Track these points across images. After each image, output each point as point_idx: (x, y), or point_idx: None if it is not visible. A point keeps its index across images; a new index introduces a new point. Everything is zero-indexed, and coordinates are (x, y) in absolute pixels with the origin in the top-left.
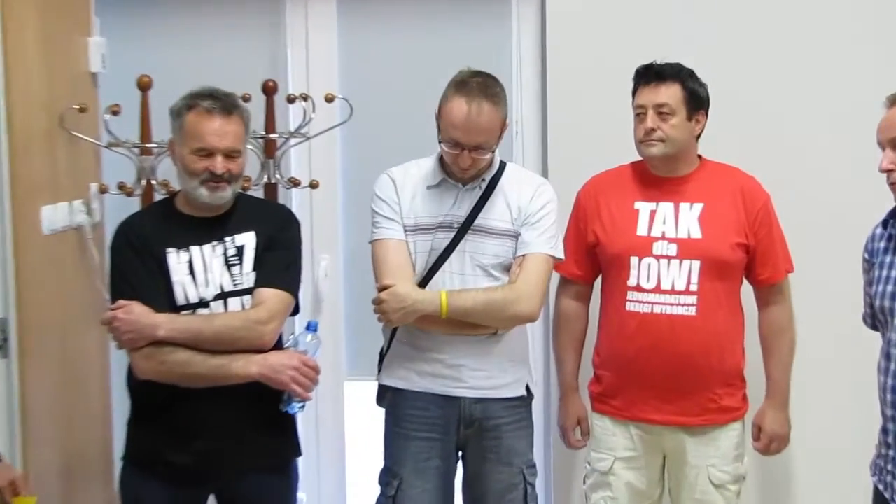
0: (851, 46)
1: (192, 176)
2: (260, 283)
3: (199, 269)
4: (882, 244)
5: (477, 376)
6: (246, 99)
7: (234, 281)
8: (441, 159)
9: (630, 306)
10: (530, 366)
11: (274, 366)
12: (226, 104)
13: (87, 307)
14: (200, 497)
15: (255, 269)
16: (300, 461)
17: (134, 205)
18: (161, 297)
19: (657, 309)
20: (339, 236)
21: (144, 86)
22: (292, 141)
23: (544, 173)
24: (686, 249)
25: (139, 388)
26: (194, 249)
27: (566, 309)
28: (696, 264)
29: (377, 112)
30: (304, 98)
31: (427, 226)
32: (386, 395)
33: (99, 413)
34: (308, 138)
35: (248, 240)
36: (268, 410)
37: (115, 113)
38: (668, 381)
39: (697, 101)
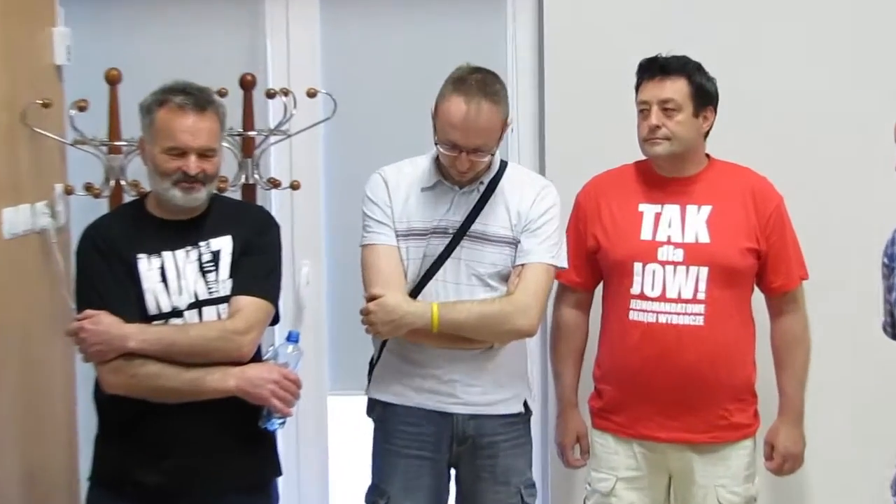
0: (869, 38)
1: (164, 177)
2: (237, 290)
3: (171, 276)
4: None
5: (471, 392)
6: (222, 94)
7: (209, 288)
8: (437, 159)
9: (633, 315)
10: (529, 380)
11: (252, 379)
12: (199, 100)
13: (52, 317)
14: None
15: (231, 275)
16: (280, 481)
17: (102, 207)
18: (131, 306)
19: (662, 318)
20: (322, 241)
21: (113, 79)
22: (272, 139)
23: (541, 174)
24: (693, 255)
25: (107, 404)
26: (166, 255)
27: (565, 319)
28: (704, 271)
29: (362, 108)
30: (285, 93)
31: (420, 231)
32: (375, 409)
33: (63, 430)
34: (289, 136)
35: (224, 244)
36: (246, 427)
37: (81, 108)
38: (673, 395)
39: (705, 97)
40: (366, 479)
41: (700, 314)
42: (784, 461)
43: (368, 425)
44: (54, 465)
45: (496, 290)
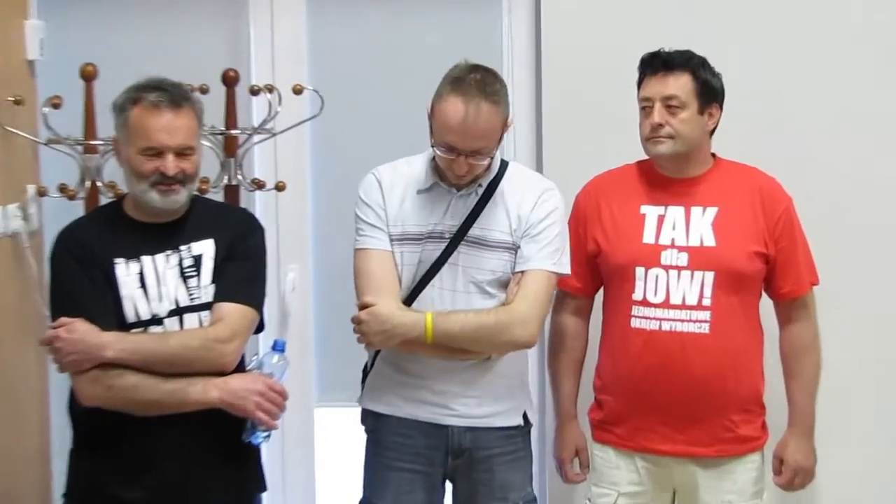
0: (886, 35)
1: (141, 178)
2: (220, 297)
3: (151, 282)
4: None
5: (467, 403)
6: (204, 91)
7: (190, 295)
8: (434, 160)
9: (635, 323)
10: (529, 391)
11: (236, 390)
12: (174, 96)
13: (24, 325)
14: None
15: (214, 281)
16: (264, 497)
17: (77, 209)
18: (108, 313)
19: (666, 326)
20: (309, 245)
21: (89, 75)
22: (256, 138)
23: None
24: (698, 259)
25: (83, 416)
26: (145, 260)
27: (563, 326)
28: (710, 276)
29: (351, 105)
30: (270, 90)
31: (415, 235)
32: (367, 419)
33: (36, 444)
34: (274, 135)
35: (206, 248)
36: (229, 440)
37: (55, 106)
38: (677, 406)
39: (710, 93)
40: (354, 495)
41: (705, 321)
42: (794, 476)
43: (357, 438)
44: (26, 481)
45: (495, 298)
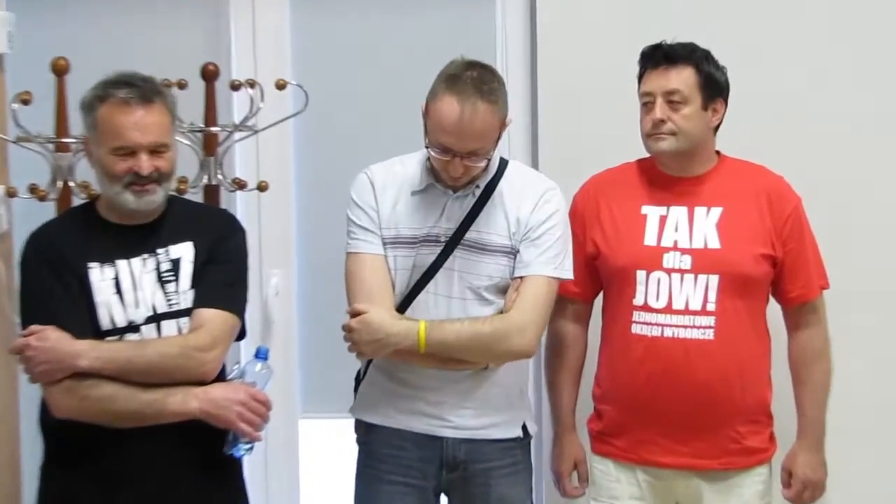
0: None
1: (114, 179)
2: (199, 302)
3: (126, 288)
4: None
5: (463, 414)
6: (182, 86)
7: (168, 301)
8: (430, 159)
9: (636, 329)
10: (528, 401)
11: (217, 401)
12: (144, 91)
13: None
14: None
15: (193, 286)
16: None
17: (48, 211)
18: (82, 320)
19: (668, 332)
20: (293, 248)
21: (60, 70)
22: (237, 135)
23: None
24: (702, 262)
25: (55, 429)
26: (121, 264)
27: (561, 332)
28: (714, 279)
29: (337, 102)
30: (251, 84)
31: (409, 238)
32: (359, 430)
33: (5, 458)
34: (256, 132)
35: (184, 252)
36: (209, 453)
37: (25, 102)
38: (680, 417)
39: (714, 87)
40: None
41: (710, 327)
42: (803, 489)
43: (343, 451)
44: None
45: (493, 305)
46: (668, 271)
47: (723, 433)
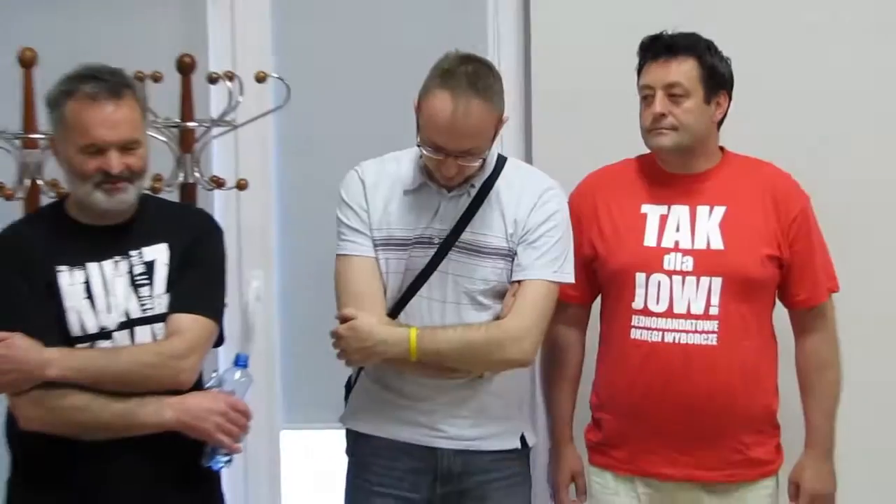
0: None
1: (83, 179)
2: (175, 307)
3: (98, 292)
4: None
5: (458, 424)
6: (157, 78)
7: (142, 305)
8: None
9: (635, 334)
10: (527, 411)
11: (194, 411)
12: (113, 85)
13: None
14: None
15: (168, 290)
16: None
17: (15, 211)
18: (51, 327)
19: (669, 337)
20: (274, 249)
21: (28, 61)
22: (215, 131)
23: None
24: (704, 264)
25: (23, 442)
26: (92, 267)
27: (558, 338)
28: (717, 282)
29: (320, 95)
30: (230, 77)
31: (401, 240)
32: (349, 440)
33: None
34: (234, 127)
35: (158, 254)
36: (186, 466)
37: None
38: (682, 426)
39: (718, 80)
40: None
41: (712, 332)
42: (812, 502)
43: (327, 464)
44: None
45: (489, 310)
46: (669, 273)
47: (726, 443)
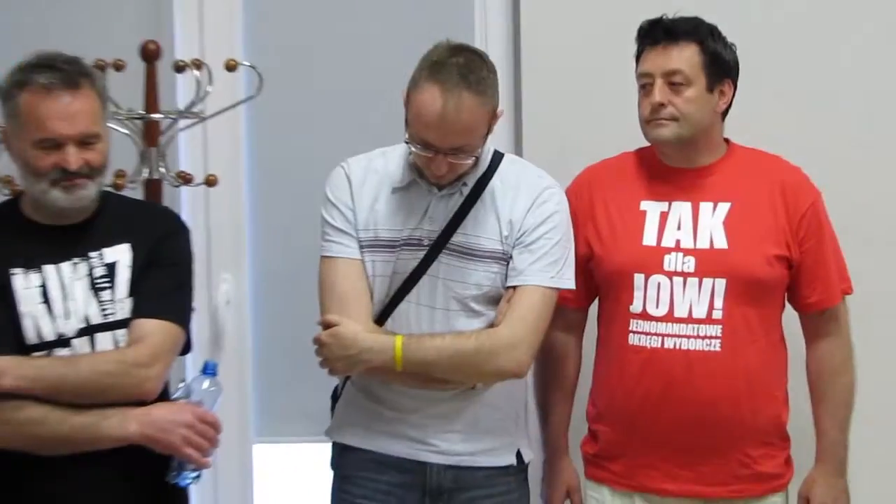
0: None
1: (39, 176)
2: (138, 312)
3: (55, 296)
4: None
5: (449, 438)
6: (119, 67)
7: (103, 310)
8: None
9: (634, 339)
10: (524, 425)
11: (159, 423)
12: (69, 75)
13: None
14: None
15: (131, 293)
16: None
17: None
18: (5, 333)
19: (669, 343)
20: (246, 250)
21: None
22: (182, 123)
23: None
24: (707, 264)
25: None
26: (48, 269)
27: (553, 343)
28: (721, 283)
29: (295, 85)
30: (198, 66)
31: (388, 241)
32: (334, 452)
33: None
34: (203, 119)
35: (121, 255)
36: (152, 482)
37: None
38: (684, 438)
39: (721, 67)
40: None
41: (716, 337)
42: None
43: (302, 480)
44: None
45: (482, 317)
46: (670, 274)
47: (732, 456)
